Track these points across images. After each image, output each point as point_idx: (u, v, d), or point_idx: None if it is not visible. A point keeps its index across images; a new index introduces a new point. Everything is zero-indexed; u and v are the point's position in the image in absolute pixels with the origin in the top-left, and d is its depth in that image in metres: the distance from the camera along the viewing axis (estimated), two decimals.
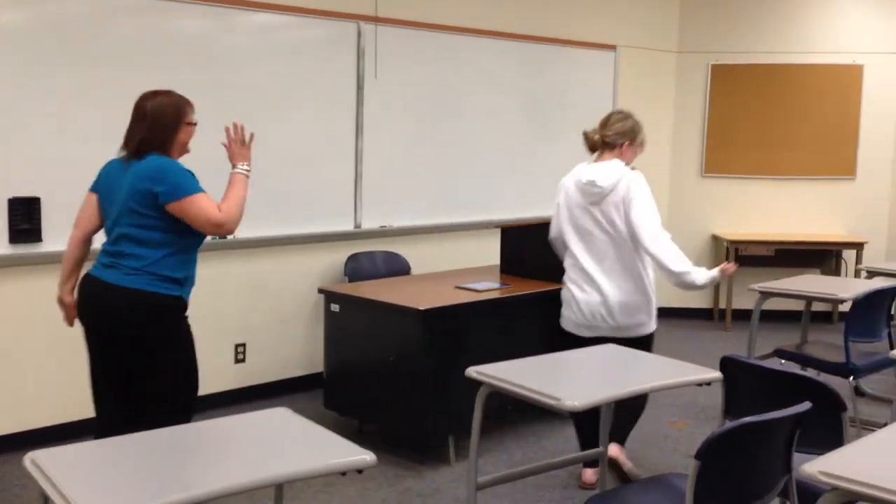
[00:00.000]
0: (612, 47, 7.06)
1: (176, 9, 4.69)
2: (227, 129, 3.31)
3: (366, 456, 2.23)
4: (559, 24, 6.68)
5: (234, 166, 3.29)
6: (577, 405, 2.65)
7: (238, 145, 3.30)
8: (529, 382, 2.83)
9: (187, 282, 3.28)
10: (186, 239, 3.23)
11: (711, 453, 2.34)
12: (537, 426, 4.78)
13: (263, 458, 2.24)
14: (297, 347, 5.36)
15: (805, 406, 2.48)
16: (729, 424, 2.38)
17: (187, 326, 3.28)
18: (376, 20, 5.55)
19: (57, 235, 4.36)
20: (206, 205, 3.14)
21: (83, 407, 4.55)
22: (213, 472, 2.13)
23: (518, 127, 6.47)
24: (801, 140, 7.53)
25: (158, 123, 3.20)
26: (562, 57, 6.70)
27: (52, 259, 4.38)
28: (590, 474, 4.01)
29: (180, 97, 3.28)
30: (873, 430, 2.54)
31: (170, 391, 3.25)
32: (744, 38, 7.55)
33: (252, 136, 3.34)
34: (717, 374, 2.98)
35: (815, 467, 2.12)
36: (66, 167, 4.40)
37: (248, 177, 3.29)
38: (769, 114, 7.53)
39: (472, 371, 3.01)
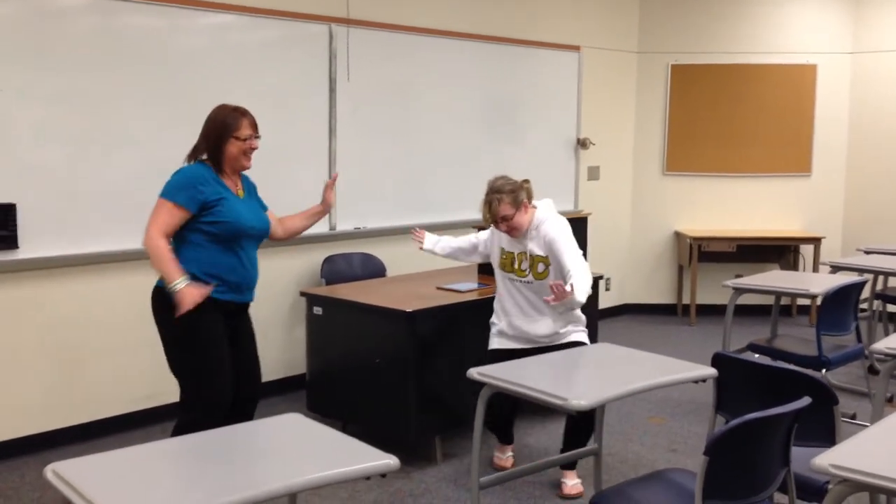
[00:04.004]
0: (577, 48, 7.16)
1: (144, 9, 4.65)
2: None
3: (389, 460, 2.27)
4: (526, 26, 6.76)
5: (175, 281, 3.21)
6: (585, 404, 2.72)
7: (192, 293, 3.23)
8: (534, 383, 2.89)
9: (201, 278, 3.30)
10: (195, 234, 3.33)
11: (718, 449, 2.42)
12: (517, 424, 4.82)
13: (289, 464, 2.25)
14: (276, 350, 5.35)
15: (805, 401, 2.58)
16: (735, 421, 2.45)
17: (192, 323, 3.26)
18: (348, 22, 5.56)
19: (34, 242, 4.30)
20: (158, 211, 3.28)
21: (66, 415, 4.53)
22: (241, 480, 2.14)
23: (487, 127, 6.52)
24: (758, 138, 7.72)
25: (205, 133, 3.40)
26: (529, 57, 6.78)
27: (28, 266, 4.33)
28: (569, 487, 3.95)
29: (235, 111, 3.39)
30: (844, 421, 2.64)
31: (183, 384, 3.40)
32: (701, 39, 7.72)
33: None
34: (712, 371, 3.07)
35: (826, 461, 2.21)
36: (42, 173, 4.34)
37: (174, 290, 3.19)
38: (727, 112, 7.71)
39: (474, 372, 3.05)
